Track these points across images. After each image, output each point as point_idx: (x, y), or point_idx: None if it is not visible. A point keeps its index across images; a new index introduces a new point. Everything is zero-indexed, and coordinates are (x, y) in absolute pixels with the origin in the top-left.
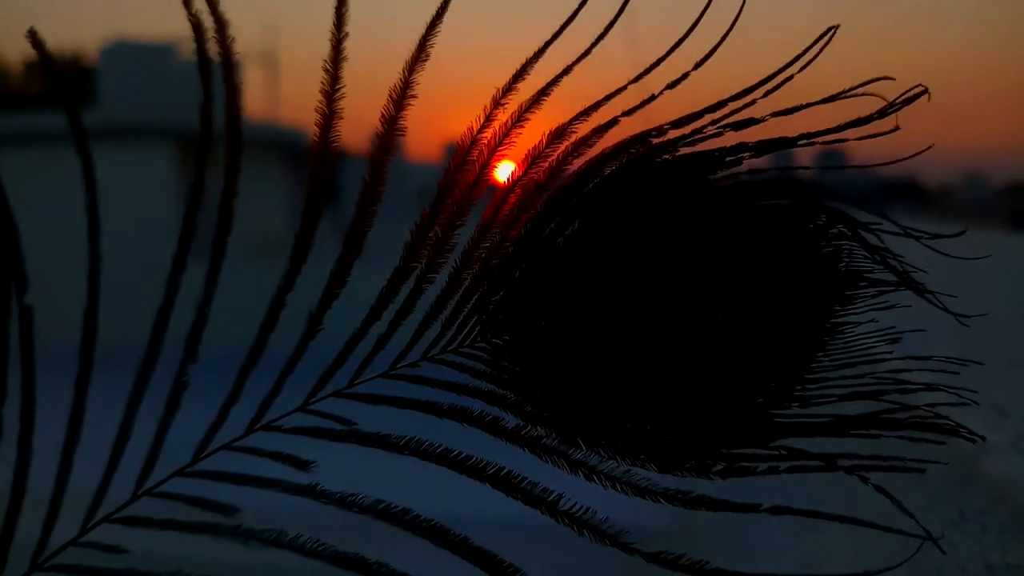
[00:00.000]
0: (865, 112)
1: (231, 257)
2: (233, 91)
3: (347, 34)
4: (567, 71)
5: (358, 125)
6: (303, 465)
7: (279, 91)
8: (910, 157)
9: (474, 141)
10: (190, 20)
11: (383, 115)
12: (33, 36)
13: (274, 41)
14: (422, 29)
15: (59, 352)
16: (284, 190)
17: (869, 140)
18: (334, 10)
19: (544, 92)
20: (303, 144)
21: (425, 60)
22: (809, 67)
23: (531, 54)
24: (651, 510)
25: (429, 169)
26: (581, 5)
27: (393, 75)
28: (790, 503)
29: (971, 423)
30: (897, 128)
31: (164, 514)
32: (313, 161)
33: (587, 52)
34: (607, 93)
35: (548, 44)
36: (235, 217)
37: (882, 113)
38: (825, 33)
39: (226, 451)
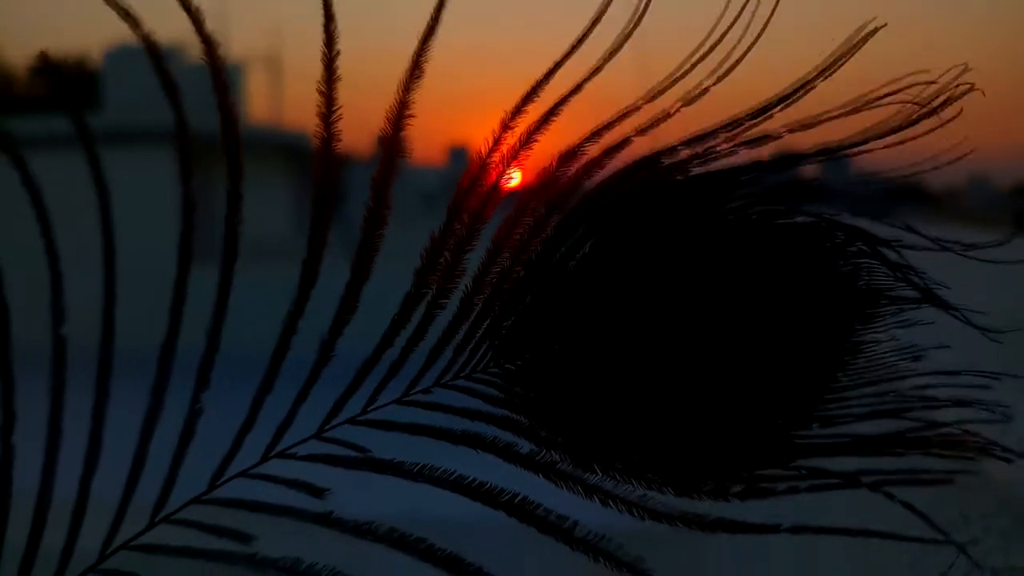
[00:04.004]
0: (883, 115)
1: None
2: (226, 97)
3: (338, 53)
4: (577, 90)
5: (361, 125)
6: (318, 493)
7: (282, 94)
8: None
9: (484, 164)
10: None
11: (383, 134)
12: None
13: (277, 45)
14: (423, 24)
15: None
16: (287, 193)
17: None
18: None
19: (552, 112)
20: (306, 147)
21: (420, 77)
22: (807, 69)
23: (534, 57)
24: None
25: (432, 172)
26: (591, 26)
27: (395, 69)
28: (801, 515)
29: (972, 426)
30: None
31: (179, 542)
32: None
33: (597, 70)
34: (618, 111)
35: (558, 66)
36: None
37: (918, 119)
38: (863, 35)
39: (239, 478)
